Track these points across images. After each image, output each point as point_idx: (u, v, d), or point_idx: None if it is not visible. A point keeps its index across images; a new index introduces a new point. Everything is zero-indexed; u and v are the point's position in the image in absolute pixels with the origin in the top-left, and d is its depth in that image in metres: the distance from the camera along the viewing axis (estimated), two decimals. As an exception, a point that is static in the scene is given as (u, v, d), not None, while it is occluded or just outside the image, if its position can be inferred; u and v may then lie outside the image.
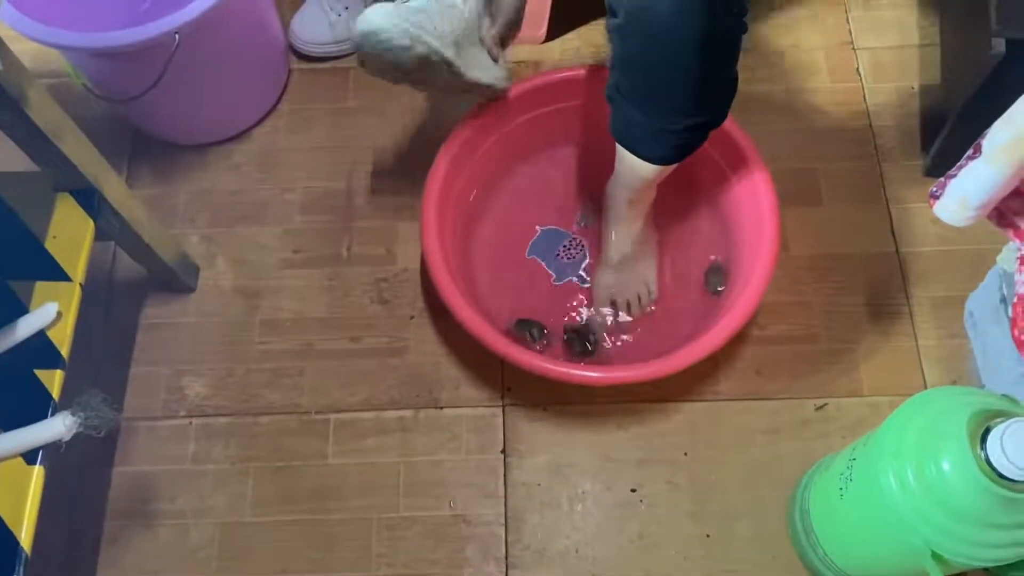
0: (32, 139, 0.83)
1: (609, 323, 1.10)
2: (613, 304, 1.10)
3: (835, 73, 1.27)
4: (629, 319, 1.10)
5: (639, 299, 1.10)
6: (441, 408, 1.08)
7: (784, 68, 1.27)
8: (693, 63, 0.84)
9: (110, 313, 1.14)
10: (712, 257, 1.13)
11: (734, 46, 0.87)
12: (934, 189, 0.85)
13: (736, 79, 0.91)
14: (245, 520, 1.03)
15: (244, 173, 1.23)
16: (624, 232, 1.08)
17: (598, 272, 1.12)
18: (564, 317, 1.11)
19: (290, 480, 1.05)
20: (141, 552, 1.01)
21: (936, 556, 0.73)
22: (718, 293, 1.10)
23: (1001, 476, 0.68)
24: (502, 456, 1.05)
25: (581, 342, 1.08)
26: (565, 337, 1.09)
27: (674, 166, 0.97)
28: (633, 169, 0.98)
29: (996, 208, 0.83)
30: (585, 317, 1.11)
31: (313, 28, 1.27)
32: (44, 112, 0.82)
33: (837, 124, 1.23)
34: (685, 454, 1.05)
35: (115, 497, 1.04)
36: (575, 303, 1.12)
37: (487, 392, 1.09)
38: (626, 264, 1.10)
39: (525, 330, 1.09)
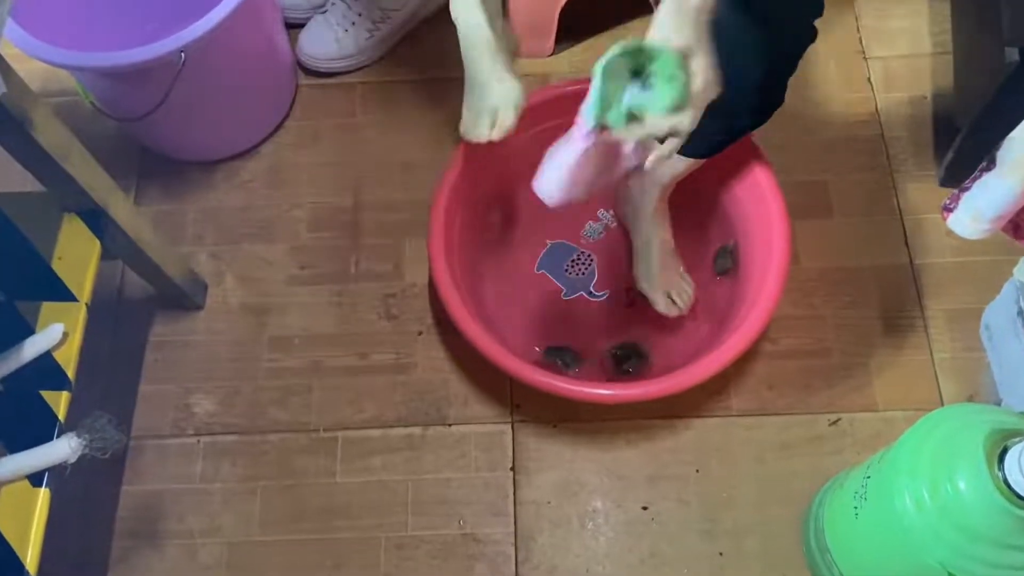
0: (38, 160, 0.83)
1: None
2: (670, 298, 1.09)
3: (846, 83, 1.25)
4: (680, 311, 1.09)
5: (685, 289, 1.10)
6: (449, 425, 1.07)
7: (795, 77, 1.25)
8: (760, 74, 0.87)
9: (118, 331, 1.14)
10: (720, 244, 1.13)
11: (800, 56, 0.91)
12: (947, 202, 0.83)
13: (785, 87, 0.94)
14: (253, 539, 1.02)
15: (252, 190, 1.23)
16: (656, 228, 1.08)
17: (642, 276, 1.10)
18: (592, 337, 1.10)
19: (298, 498, 1.04)
20: (149, 572, 1.01)
21: (952, 578, 0.72)
22: (725, 273, 1.10)
23: (1019, 497, 0.66)
24: (511, 473, 1.04)
25: (637, 357, 1.07)
26: (616, 353, 1.08)
27: (703, 161, 0.98)
28: (668, 165, 0.98)
29: (1011, 221, 0.82)
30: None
31: (320, 43, 1.27)
32: (50, 133, 0.82)
33: (848, 134, 1.22)
34: (696, 471, 1.03)
35: (123, 516, 1.04)
36: (595, 320, 1.11)
37: (496, 409, 1.08)
38: (663, 259, 1.09)
39: (555, 357, 1.08)
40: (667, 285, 1.09)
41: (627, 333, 1.10)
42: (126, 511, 1.04)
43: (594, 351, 1.09)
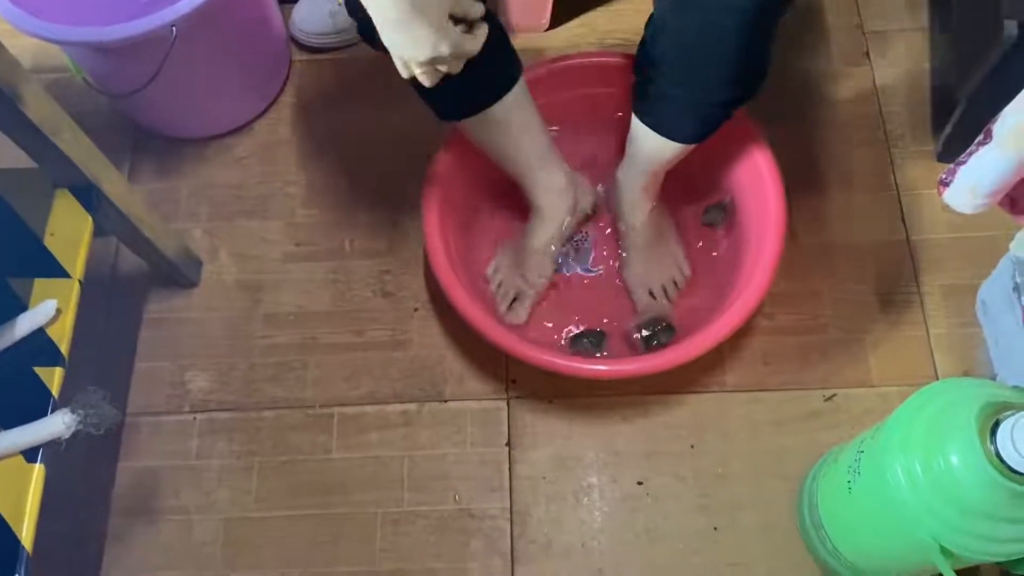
0: (29, 136, 0.83)
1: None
2: (651, 294, 1.09)
3: (844, 57, 1.24)
4: (668, 303, 1.08)
5: (675, 282, 1.09)
6: (445, 401, 1.07)
7: (791, 52, 1.25)
8: (744, 36, 0.83)
9: (113, 308, 1.14)
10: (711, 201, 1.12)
11: (777, 21, 0.86)
12: (944, 176, 0.83)
13: (770, 58, 0.90)
14: (249, 515, 1.03)
15: (246, 166, 1.23)
16: (643, 218, 1.07)
17: (627, 265, 1.10)
18: (602, 314, 1.09)
19: (294, 475, 1.04)
20: (145, 548, 1.01)
21: (944, 551, 0.72)
22: (712, 227, 1.10)
23: (1011, 470, 0.66)
24: (507, 449, 1.04)
25: (667, 332, 1.06)
26: (643, 334, 1.06)
27: (692, 147, 0.96)
28: (654, 151, 0.97)
29: (1008, 195, 0.81)
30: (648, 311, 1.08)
31: (314, 18, 1.26)
32: (40, 109, 0.81)
33: (846, 109, 1.21)
34: (692, 446, 1.04)
35: (119, 493, 1.04)
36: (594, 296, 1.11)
37: (491, 385, 1.08)
38: (652, 249, 1.09)
39: (579, 345, 1.07)
40: (651, 280, 1.08)
41: (629, 307, 1.10)
42: (122, 488, 1.05)
43: (619, 329, 1.09)
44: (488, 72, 0.94)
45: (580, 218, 1.11)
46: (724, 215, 1.11)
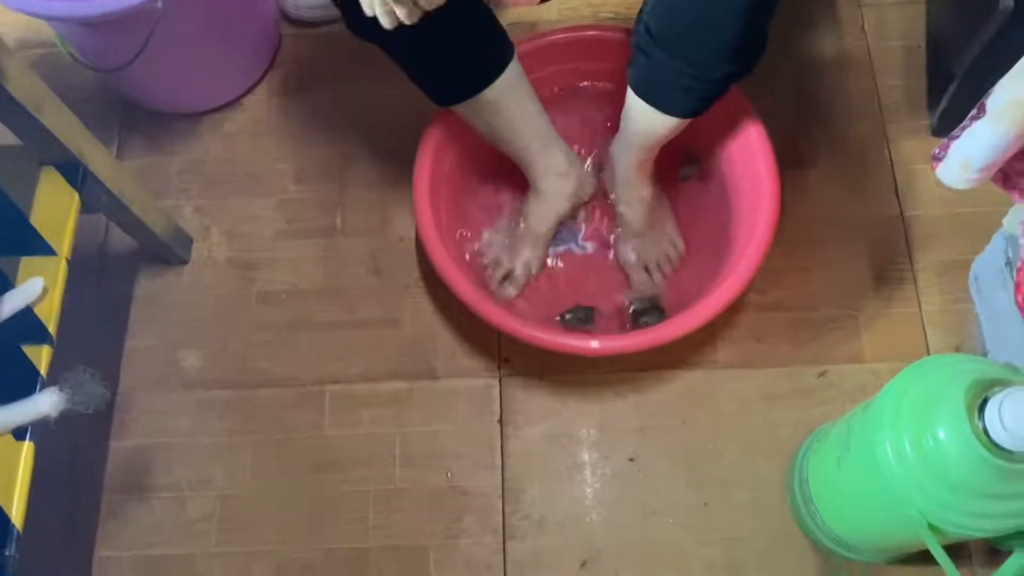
0: (12, 112, 0.82)
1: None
2: (646, 270, 1.08)
3: (840, 30, 1.23)
4: (663, 278, 1.08)
5: (669, 258, 1.08)
6: (437, 379, 1.07)
7: (787, 25, 1.24)
8: (746, 12, 0.82)
9: (103, 286, 1.14)
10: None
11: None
12: (937, 151, 0.82)
13: (768, 34, 0.89)
14: (242, 492, 1.03)
15: (236, 142, 1.22)
16: (637, 195, 1.07)
17: (621, 244, 1.10)
18: (591, 291, 1.09)
19: (287, 452, 1.04)
20: (139, 525, 1.02)
21: (932, 527, 0.72)
22: (688, 180, 1.11)
23: (998, 447, 0.66)
24: (499, 426, 1.04)
25: (657, 312, 1.06)
26: (633, 309, 1.06)
27: (687, 122, 0.95)
28: (649, 126, 0.96)
29: (1001, 170, 0.81)
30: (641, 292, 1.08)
31: (304, -8, 1.24)
32: (24, 85, 0.81)
33: (841, 83, 1.20)
34: (683, 423, 1.04)
35: (112, 471, 1.04)
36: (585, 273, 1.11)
37: (484, 362, 1.08)
38: (646, 226, 1.08)
39: (573, 323, 1.07)
40: (646, 257, 1.08)
41: (622, 282, 1.09)
42: (115, 465, 1.05)
43: (608, 305, 1.08)
44: (477, 56, 0.93)
45: (580, 202, 1.10)
46: (697, 165, 1.11)
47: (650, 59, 0.90)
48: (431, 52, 0.91)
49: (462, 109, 0.97)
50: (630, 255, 1.09)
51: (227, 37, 1.16)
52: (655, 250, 1.08)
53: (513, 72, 0.95)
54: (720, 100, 0.93)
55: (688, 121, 0.95)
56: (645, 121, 0.95)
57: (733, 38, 0.85)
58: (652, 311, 1.06)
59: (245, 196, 1.18)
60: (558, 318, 1.08)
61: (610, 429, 1.04)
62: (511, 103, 0.97)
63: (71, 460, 1.04)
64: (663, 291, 1.08)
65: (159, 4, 0.97)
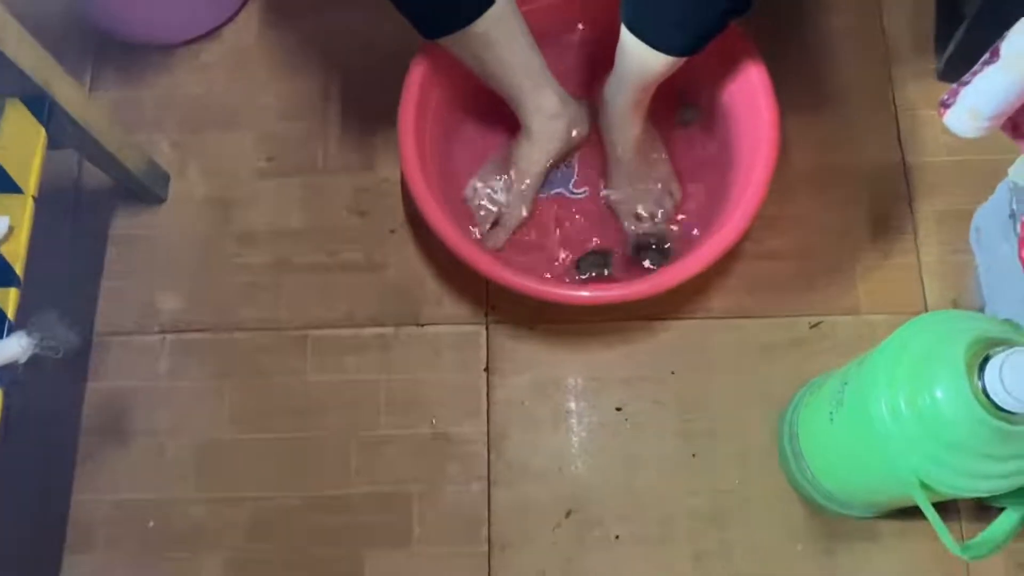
0: (-30, 40, 0.77)
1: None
2: (638, 217, 1.05)
3: (847, -33, 1.18)
4: (662, 226, 1.05)
5: (662, 206, 1.05)
6: (422, 325, 1.04)
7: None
8: None
9: (76, 225, 1.10)
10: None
11: None
12: (945, 97, 0.78)
13: None
14: (222, 437, 1.01)
15: (214, 75, 1.17)
16: (631, 138, 1.03)
17: (614, 188, 1.06)
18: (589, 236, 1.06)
19: (267, 397, 1.02)
20: (116, 469, 1.00)
21: (924, 485, 0.71)
22: (687, 125, 1.08)
23: (998, 408, 0.64)
24: (485, 374, 1.02)
25: (657, 254, 1.03)
26: (635, 255, 1.04)
27: (683, 61, 0.90)
28: (643, 64, 0.91)
29: (1011, 119, 0.77)
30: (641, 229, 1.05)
31: (285, -84, 1.18)
32: (-18, 10, 0.76)
33: (846, 23, 1.15)
34: (672, 373, 1.02)
35: (89, 413, 1.02)
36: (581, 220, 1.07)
37: (470, 309, 1.05)
38: (641, 171, 1.04)
39: (589, 269, 1.04)
40: (641, 203, 1.04)
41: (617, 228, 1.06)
42: (91, 408, 1.02)
43: (615, 248, 1.05)
44: None
45: (573, 145, 1.06)
46: (699, 112, 1.07)
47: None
48: None
49: (450, 42, 0.92)
50: (622, 200, 1.05)
51: (204, -38, 1.10)
52: (648, 196, 1.05)
53: (505, 3, 0.90)
54: (719, 39, 0.89)
55: (684, 60, 0.90)
56: (639, 59, 0.91)
57: None
58: (656, 252, 1.03)
59: (224, 131, 1.14)
60: (574, 264, 1.04)
61: (598, 378, 1.02)
62: (502, 36, 0.92)
63: (47, 401, 1.02)
64: (666, 230, 1.05)
65: (128, -75, 0.91)
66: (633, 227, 1.05)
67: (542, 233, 1.07)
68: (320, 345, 1.04)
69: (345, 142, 1.13)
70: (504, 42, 0.93)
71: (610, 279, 1.04)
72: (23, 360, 0.77)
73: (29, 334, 0.77)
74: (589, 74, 1.10)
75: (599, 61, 1.09)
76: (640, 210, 1.04)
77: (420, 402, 1.01)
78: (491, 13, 0.89)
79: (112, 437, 1.01)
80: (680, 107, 1.09)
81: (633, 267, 1.04)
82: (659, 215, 1.04)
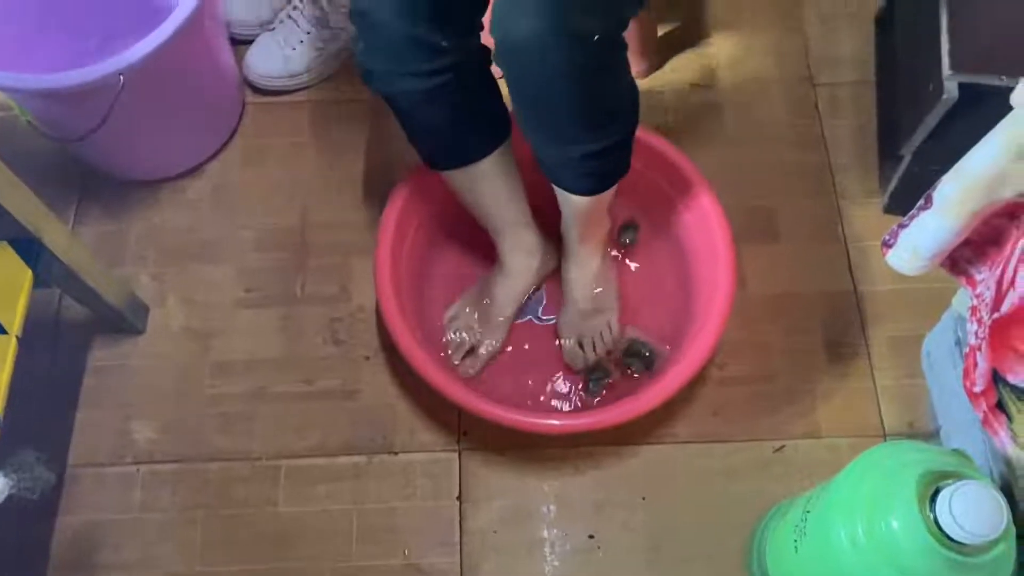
0: (-36, 188, 0.81)
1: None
2: (580, 345, 1.08)
3: (794, 109, 1.26)
4: (595, 356, 1.08)
5: (603, 337, 1.09)
6: (395, 453, 1.06)
7: (742, 103, 1.27)
8: (570, 88, 0.80)
9: (55, 357, 1.11)
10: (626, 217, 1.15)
11: (612, 57, 0.82)
12: (887, 238, 0.84)
13: (632, 86, 0.88)
14: (193, 570, 1.00)
15: (197, 210, 1.21)
16: (579, 270, 1.07)
17: (562, 312, 1.10)
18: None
19: (240, 528, 1.02)
20: (84, 607, 0.99)
21: (887, 616, 0.72)
22: (627, 246, 1.14)
23: (949, 539, 0.67)
24: (458, 503, 1.03)
25: (642, 362, 1.08)
26: (625, 362, 1.08)
27: (609, 195, 0.96)
28: (569, 203, 0.97)
29: (949, 256, 0.83)
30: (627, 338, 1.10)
31: (268, 62, 1.25)
32: (-24, 160, 0.80)
33: (795, 160, 1.23)
34: (643, 498, 1.03)
35: (58, 550, 1.01)
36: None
37: (443, 436, 1.07)
38: (588, 303, 1.09)
39: (597, 390, 1.08)
40: (580, 331, 1.08)
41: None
42: (61, 543, 1.01)
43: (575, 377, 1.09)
44: (483, 124, 0.95)
45: (543, 278, 1.12)
46: (636, 231, 1.15)
47: (532, 143, 0.91)
48: (437, 115, 0.92)
49: (454, 175, 0.98)
50: (565, 327, 1.09)
51: (190, 107, 1.16)
52: (589, 327, 1.08)
53: (508, 147, 0.97)
54: (670, 171, 0.94)
55: (606, 196, 0.95)
56: (563, 198, 0.97)
57: (580, 112, 0.83)
58: (636, 357, 1.08)
59: (204, 263, 1.17)
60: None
61: (570, 505, 1.03)
62: (502, 175, 0.99)
63: (15, 537, 1.01)
64: (655, 341, 1.09)
65: (121, 78, 0.97)
66: (570, 351, 1.08)
67: (512, 359, 1.10)
68: (294, 474, 1.05)
69: (322, 272, 1.16)
70: (501, 182, 0.99)
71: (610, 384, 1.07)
72: (0, 500, 0.77)
73: (6, 476, 0.77)
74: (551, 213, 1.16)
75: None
76: (581, 340, 1.08)
77: (393, 530, 1.02)
78: (496, 155, 0.96)
79: (81, 573, 1.00)
80: (621, 230, 1.15)
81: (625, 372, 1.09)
82: (598, 347, 1.08)
